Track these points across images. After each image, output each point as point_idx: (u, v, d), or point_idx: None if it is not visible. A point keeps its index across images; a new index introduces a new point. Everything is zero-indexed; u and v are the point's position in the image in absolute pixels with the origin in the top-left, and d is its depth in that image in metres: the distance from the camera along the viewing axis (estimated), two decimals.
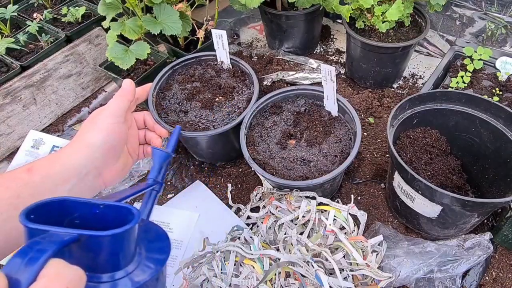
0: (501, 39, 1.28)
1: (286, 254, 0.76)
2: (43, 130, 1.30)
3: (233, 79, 1.11)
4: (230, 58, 1.11)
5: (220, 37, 1.07)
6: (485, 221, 0.94)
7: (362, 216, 0.89)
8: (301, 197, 0.87)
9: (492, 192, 0.89)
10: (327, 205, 0.86)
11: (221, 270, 0.78)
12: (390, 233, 0.91)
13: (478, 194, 0.95)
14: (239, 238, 0.87)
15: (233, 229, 0.91)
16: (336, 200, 0.91)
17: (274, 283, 0.73)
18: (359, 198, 1.04)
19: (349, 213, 0.87)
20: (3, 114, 1.19)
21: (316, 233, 0.81)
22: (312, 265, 0.73)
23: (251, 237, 0.85)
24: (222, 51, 1.10)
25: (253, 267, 0.76)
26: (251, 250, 0.79)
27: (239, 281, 0.76)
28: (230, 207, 1.04)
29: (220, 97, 1.07)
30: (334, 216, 0.84)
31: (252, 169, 0.88)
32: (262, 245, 0.82)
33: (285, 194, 0.89)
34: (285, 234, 0.82)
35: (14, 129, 1.23)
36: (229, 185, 1.10)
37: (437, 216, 0.81)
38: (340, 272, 0.74)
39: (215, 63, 1.15)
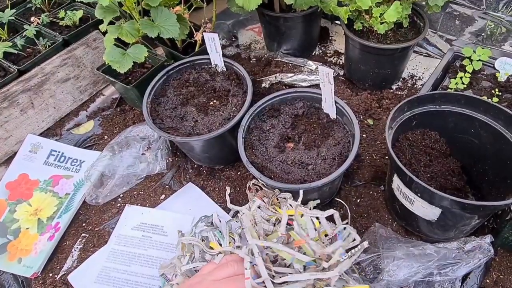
0: (501, 38, 1.27)
1: (238, 251, 0.75)
2: (41, 134, 1.29)
3: (227, 82, 1.10)
4: (224, 61, 1.11)
5: (212, 40, 1.06)
6: (486, 223, 0.94)
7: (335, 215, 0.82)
8: (284, 198, 0.86)
9: (492, 194, 0.89)
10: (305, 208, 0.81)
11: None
12: (389, 235, 0.90)
13: (478, 196, 0.94)
14: (212, 223, 0.91)
15: (207, 216, 0.94)
16: (333, 204, 0.89)
17: None
18: (358, 200, 1.03)
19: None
20: (0, 118, 1.18)
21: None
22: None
23: (219, 220, 0.91)
24: (216, 54, 1.09)
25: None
26: (218, 237, 0.85)
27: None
28: (229, 210, 1.04)
29: (215, 101, 1.07)
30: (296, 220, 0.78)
31: (250, 172, 0.87)
32: (230, 234, 0.85)
33: (273, 195, 0.88)
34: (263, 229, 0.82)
35: (12, 133, 1.23)
36: (228, 188, 1.09)
37: (436, 219, 0.81)
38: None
39: (210, 66, 1.14)
